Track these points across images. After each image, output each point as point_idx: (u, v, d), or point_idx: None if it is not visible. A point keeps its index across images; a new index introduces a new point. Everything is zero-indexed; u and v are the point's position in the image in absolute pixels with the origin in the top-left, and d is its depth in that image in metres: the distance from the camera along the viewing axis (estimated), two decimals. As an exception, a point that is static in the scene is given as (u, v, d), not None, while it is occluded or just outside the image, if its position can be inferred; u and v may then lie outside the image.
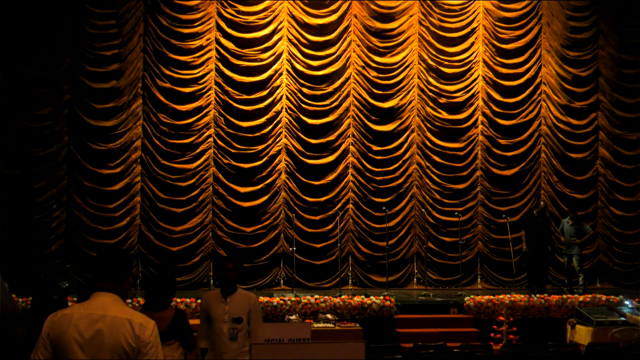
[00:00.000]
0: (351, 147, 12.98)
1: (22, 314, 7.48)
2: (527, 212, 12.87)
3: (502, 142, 13.48)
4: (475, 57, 13.41)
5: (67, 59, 11.89)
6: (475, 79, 13.41)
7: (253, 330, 5.65)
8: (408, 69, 13.19)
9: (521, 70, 13.58)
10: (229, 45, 12.57)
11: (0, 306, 5.53)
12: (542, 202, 12.58)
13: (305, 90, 12.82)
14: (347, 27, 13.01)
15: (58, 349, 3.13)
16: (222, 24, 12.56)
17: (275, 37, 12.74)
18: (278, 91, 12.72)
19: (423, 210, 12.98)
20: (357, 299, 10.33)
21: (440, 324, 10.28)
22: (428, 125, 13.25)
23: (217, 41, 12.54)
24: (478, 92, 13.41)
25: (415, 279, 13.05)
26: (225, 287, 5.67)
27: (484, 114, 13.43)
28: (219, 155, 12.51)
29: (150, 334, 3.19)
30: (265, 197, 12.58)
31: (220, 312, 5.61)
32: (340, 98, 12.97)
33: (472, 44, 13.42)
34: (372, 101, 13.06)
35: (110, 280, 3.28)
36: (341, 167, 12.93)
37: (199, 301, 9.13)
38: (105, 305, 3.20)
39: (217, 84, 12.54)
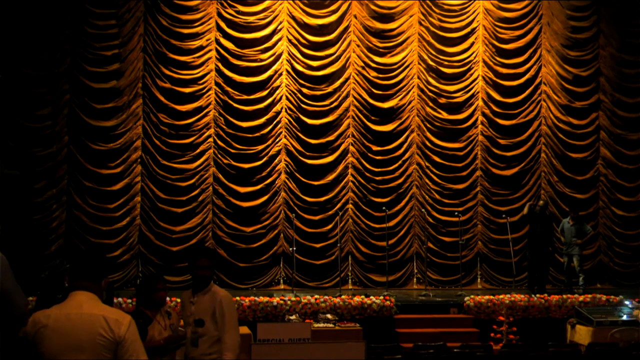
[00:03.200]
0: (351, 147, 12.97)
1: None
2: (529, 208, 12.46)
3: (502, 142, 13.47)
4: (475, 57, 13.40)
5: (67, 59, 11.88)
6: (475, 79, 13.40)
7: (221, 336, 4.87)
8: (408, 69, 13.18)
9: (521, 70, 13.57)
10: (229, 45, 12.57)
11: (14, 306, 5.50)
12: (542, 201, 12.47)
13: (305, 90, 12.81)
14: (347, 27, 13.00)
15: (38, 349, 3.19)
16: (222, 24, 12.56)
17: (275, 38, 12.74)
18: (278, 91, 12.72)
19: (423, 210, 12.97)
20: (357, 299, 10.32)
21: (440, 324, 10.26)
22: (428, 125, 13.24)
23: (217, 41, 12.54)
24: (478, 92, 13.40)
25: (415, 279, 13.04)
26: (196, 285, 5.03)
27: (483, 114, 13.42)
28: (219, 155, 12.51)
29: (126, 329, 3.20)
30: (265, 197, 12.58)
31: (187, 314, 5.03)
32: (340, 98, 12.96)
33: (472, 44, 13.41)
34: (371, 101, 13.05)
35: (87, 279, 3.32)
36: (341, 167, 12.92)
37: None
38: (81, 304, 3.25)
39: (217, 84, 12.54)
